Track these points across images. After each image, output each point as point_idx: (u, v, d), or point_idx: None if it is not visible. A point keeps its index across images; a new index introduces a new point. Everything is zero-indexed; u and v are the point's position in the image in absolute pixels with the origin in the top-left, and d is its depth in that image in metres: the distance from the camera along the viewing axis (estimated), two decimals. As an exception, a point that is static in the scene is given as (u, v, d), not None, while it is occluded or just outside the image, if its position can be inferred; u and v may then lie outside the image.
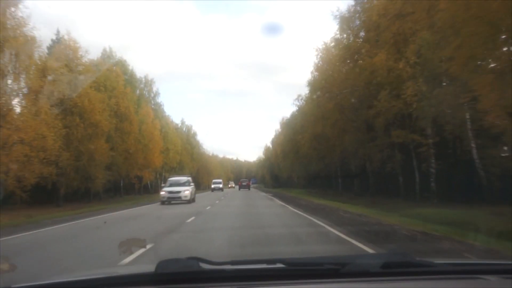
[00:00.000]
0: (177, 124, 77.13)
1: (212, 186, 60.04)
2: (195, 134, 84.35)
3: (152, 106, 49.72)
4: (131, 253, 6.26)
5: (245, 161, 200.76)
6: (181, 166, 66.17)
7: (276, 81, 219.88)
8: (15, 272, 3.91)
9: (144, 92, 50.83)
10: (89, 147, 27.58)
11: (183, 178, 29.50)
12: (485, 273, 1.96)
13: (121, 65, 39.23)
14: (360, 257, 2.48)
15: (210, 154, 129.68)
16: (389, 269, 1.96)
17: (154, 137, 46.58)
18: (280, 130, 69.88)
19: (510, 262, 2.16)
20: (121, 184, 41.74)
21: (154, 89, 51.97)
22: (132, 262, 6.11)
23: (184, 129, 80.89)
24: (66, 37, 28.40)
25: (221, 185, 60.84)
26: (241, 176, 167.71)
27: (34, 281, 1.90)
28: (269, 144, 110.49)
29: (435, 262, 2.13)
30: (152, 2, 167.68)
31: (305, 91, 40.89)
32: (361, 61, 25.66)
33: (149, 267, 1.93)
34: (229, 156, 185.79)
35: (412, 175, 24.65)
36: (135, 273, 2.17)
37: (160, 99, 56.52)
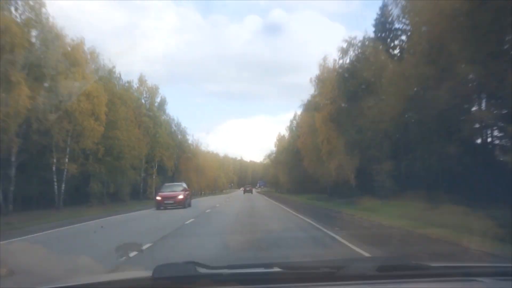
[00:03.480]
0: (129, 82, 43.38)
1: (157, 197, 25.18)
2: (164, 102, 50.01)
3: None
4: (128, 257, 5.73)
5: (250, 161, 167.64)
6: (115, 146, 32.04)
7: (280, 83, 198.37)
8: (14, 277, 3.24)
9: None
10: None
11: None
12: (480, 276, 1.95)
13: None
14: (356, 261, 2.66)
15: (207, 151, 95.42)
16: (385, 272, 1.93)
17: None
18: (316, 84, 35.32)
19: (504, 265, 2.15)
20: None
21: None
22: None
23: (144, 93, 47.12)
24: None
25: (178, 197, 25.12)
26: (246, 178, 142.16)
27: (32, 286, 1.88)
28: (284, 132, 77.20)
29: (431, 265, 2.09)
30: (151, 7, 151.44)
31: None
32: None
33: (146, 272, 1.90)
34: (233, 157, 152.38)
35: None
36: (132, 278, 2.08)
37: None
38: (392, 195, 24.65)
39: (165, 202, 23.80)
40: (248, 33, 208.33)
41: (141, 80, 46.81)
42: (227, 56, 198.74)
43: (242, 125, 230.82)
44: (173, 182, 60.65)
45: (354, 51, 27.28)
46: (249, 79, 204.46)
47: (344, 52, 27.21)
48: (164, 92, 72.69)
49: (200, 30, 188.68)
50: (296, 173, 56.89)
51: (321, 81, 33.90)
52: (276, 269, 1.95)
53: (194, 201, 36.97)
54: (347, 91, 25.38)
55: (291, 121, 68.68)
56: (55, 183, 26.41)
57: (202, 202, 33.26)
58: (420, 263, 2.08)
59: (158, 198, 24.70)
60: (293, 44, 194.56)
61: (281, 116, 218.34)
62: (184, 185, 28.26)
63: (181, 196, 24.53)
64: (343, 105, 26.56)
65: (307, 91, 67.11)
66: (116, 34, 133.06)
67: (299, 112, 60.68)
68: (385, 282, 1.87)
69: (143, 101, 46.41)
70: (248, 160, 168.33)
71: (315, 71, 35.87)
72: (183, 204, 24.18)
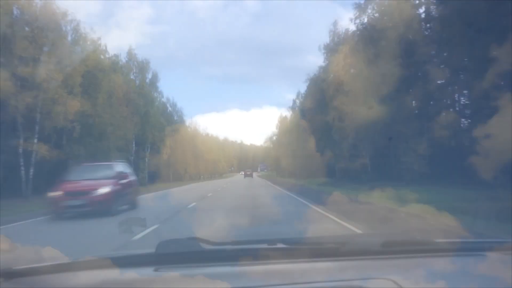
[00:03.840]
0: (116, 55, 39.05)
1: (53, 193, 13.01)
2: (156, 78, 45.41)
3: None
4: (132, 232, 5.70)
5: (251, 144, 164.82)
6: (96, 125, 27.94)
7: (280, 66, 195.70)
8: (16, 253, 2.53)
9: None
10: None
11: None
12: (485, 250, 1.92)
13: None
14: (360, 236, 2.86)
15: (206, 134, 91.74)
16: (390, 248, 1.91)
17: None
18: (326, 53, 31.03)
19: (510, 240, 2.06)
20: None
21: None
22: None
23: (134, 69, 42.78)
24: None
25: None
26: (247, 161, 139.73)
27: (34, 263, 1.81)
28: (286, 113, 73.10)
29: (436, 240, 2.06)
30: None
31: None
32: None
33: (149, 248, 1.89)
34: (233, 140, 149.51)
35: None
36: (135, 254, 2.12)
37: None
38: (419, 180, 20.76)
39: (68, 203, 12.11)
40: (247, 15, 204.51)
41: (130, 54, 42.46)
42: (227, 39, 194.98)
43: (242, 108, 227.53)
44: (168, 167, 56.98)
45: (373, 8, 23.02)
46: (249, 62, 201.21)
47: (361, 10, 22.93)
48: (163, 76, 68.23)
49: (199, 12, 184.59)
50: (300, 155, 52.97)
51: (332, 49, 29.63)
52: (280, 245, 1.90)
53: (185, 188, 32.64)
54: (366, 54, 21.20)
55: (294, 101, 64.63)
56: (22, 168, 22.47)
57: (193, 190, 29.11)
58: (425, 239, 2.06)
59: (55, 194, 12.50)
60: (294, 26, 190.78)
61: (282, 98, 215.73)
62: (123, 167, 15.44)
63: (104, 189, 12.62)
64: (360, 71, 22.40)
65: (313, 65, 62.83)
66: (109, 14, 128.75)
67: (303, 90, 56.52)
68: (390, 257, 1.83)
69: (132, 76, 42.18)
70: (249, 144, 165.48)
71: (317, 49, 31.78)
72: (109, 205, 12.40)
